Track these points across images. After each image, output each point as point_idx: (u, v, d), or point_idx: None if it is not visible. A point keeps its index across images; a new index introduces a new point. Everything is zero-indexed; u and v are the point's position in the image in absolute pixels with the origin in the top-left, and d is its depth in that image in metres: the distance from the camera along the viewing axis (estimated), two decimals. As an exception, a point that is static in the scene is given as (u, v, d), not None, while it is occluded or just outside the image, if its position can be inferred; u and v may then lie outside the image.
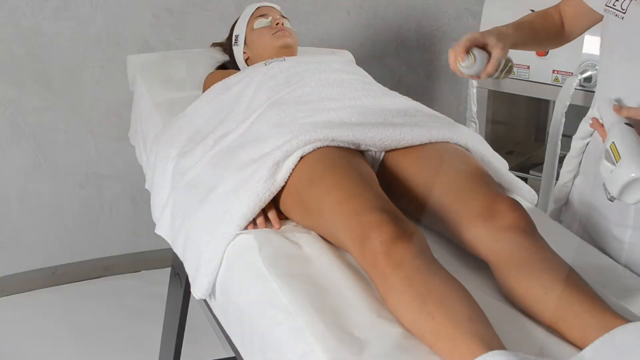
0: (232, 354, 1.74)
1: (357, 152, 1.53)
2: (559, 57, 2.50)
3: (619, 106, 1.37)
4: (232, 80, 1.87)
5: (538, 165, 2.79)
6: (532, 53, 2.54)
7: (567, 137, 2.11)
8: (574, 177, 1.70)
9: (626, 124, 1.33)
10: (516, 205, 1.34)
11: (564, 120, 2.34)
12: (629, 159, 1.26)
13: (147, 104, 2.07)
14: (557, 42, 1.68)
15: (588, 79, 2.41)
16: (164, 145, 1.76)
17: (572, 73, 2.44)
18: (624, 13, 1.42)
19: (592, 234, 1.61)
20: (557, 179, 2.28)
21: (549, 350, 1.15)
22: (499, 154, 1.67)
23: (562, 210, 1.74)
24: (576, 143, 1.67)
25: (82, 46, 2.72)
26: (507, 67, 1.50)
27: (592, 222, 1.61)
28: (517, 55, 2.59)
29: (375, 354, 1.08)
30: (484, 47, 1.47)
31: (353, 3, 3.06)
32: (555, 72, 2.53)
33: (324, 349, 1.09)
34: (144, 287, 2.94)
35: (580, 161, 1.67)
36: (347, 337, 1.11)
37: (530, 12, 2.51)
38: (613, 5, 1.44)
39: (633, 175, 1.24)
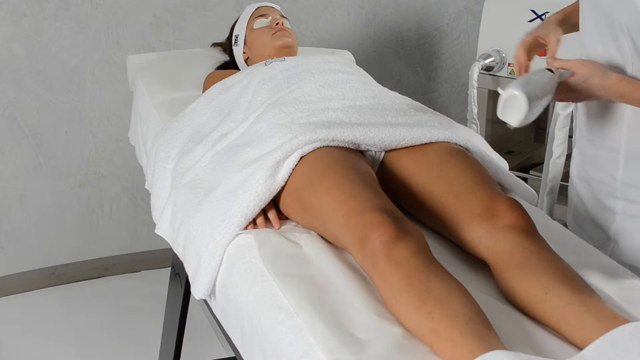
0: (232, 354, 1.74)
1: (357, 152, 1.53)
2: (558, 57, 2.49)
3: (552, 58, 1.45)
4: (232, 80, 1.87)
5: (538, 165, 2.78)
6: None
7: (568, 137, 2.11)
8: (566, 150, 1.71)
9: (548, 69, 1.41)
10: (516, 205, 1.34)
11: (564, 120, 2.34)
12: (516, 81, 1.33)
13: (147, 104, 2.07)
14: None
15: (588, 79, 2.40)
16: (164, 145, 1.76)
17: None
18: None
19: (586, 205, 1.61)
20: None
21: (549, 350, 1.15)
22: (499, 154, 1.67)
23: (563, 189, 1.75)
24: (562, 112, 1.68)
25: (82, 46, 2.72)
26: None
27: (586, 192, 1.61)
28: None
29: (375, 354, 1.08)
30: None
31: (353, 3, 3.06)
32: (555, 72, 2.52)
33: (324, 349, 1.09)
34: (144, 287, 2.94)
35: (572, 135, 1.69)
36: (347, 337, 1.11)
37: (531, 12, 2.53)
38: None
39: (516, 92, 1.30)
